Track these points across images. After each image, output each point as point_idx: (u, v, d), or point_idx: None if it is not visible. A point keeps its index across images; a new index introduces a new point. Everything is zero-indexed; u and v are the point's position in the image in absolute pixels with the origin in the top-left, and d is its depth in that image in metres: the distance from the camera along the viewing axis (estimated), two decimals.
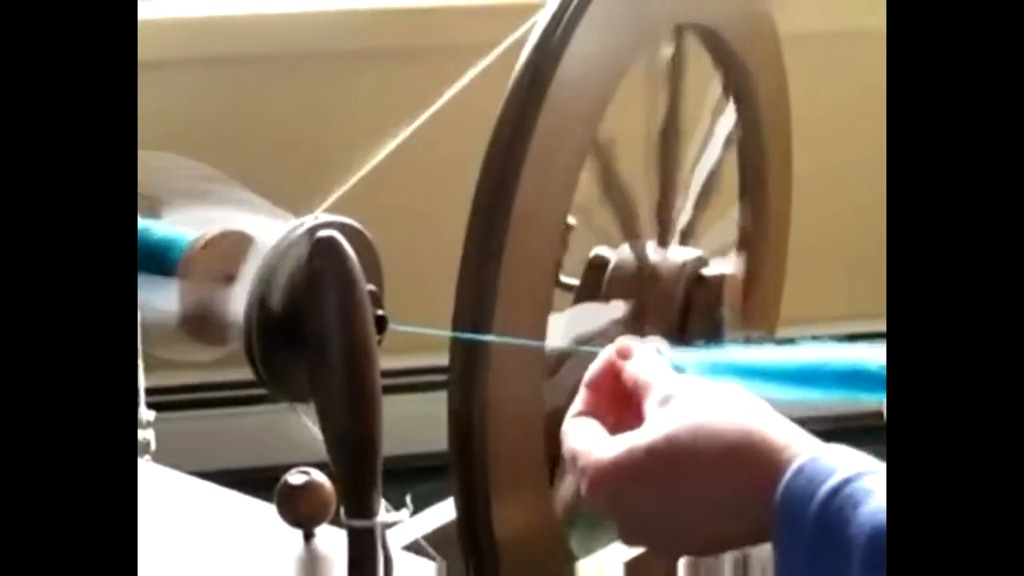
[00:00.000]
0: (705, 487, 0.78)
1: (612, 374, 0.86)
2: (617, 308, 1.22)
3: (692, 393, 0.80)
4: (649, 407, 0.81)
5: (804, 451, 0.76)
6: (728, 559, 1.13)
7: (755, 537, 0.78)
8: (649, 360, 0.85)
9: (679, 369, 0.85)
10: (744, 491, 0.77)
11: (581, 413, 0.85)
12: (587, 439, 0.82)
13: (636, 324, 1.20)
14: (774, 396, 0.84)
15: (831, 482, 0.74)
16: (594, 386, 0.86)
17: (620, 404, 0.85)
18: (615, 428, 0.83)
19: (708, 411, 0.79)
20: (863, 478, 0.74)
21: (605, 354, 0.87)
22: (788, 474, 0.75)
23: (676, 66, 1.25)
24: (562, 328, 1.17)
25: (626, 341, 0.87)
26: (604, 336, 1.18)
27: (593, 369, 0.87)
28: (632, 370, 0.85)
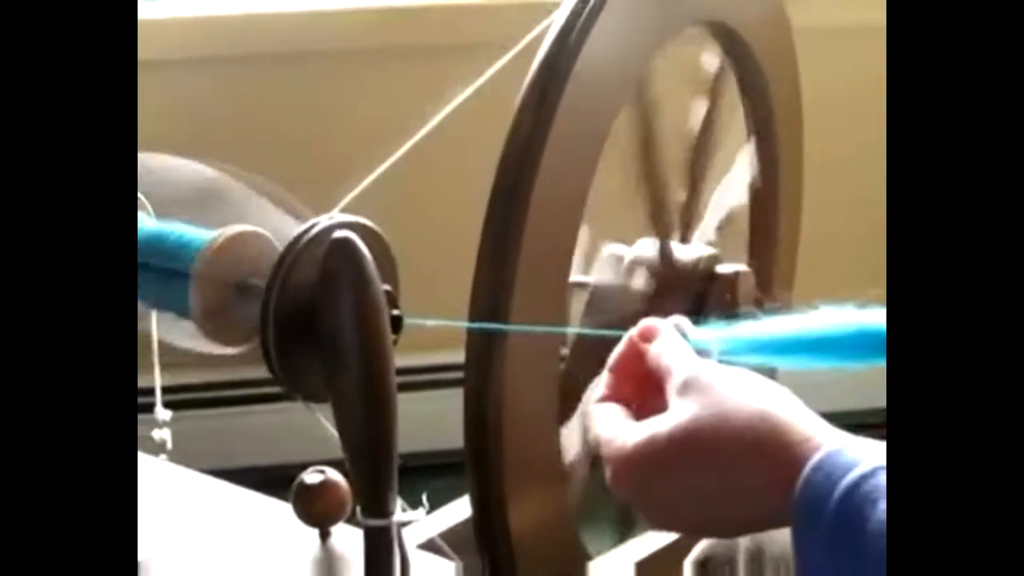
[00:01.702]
0: (725, 478, 0.78)
1: (635, 356, 0.86)
2: (639, 279, 1.22)
3: (712, 381, 0.80)
4: (670, 394, 0.81)
5: (826, 444, 0.76)
6: (742, 558, 1.13)
7: (779, 522, 0.77)
8: (671, 343, 0.85)
9: (701, 350, 0.84)
10: (765, 483, 0.76)
11: (605, 398, 0.85)
12: (611, 427, 0.82)
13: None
14: (795, 367, 0.84)
15: (851, 477, 0.73)
16: (618, 369, 0.86)
17: (644, 387, 0.85)
18: (639, 412, 0.83)
19: (728, 402, 0.79)
20: (883, 473, 0.73)
21: (628, 336, 0.86)
22: (808, 468, 0.75)
23: (719, 77, 1.26)
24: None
25: (649, 322, 0.86)
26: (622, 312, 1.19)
27: (616, 352, 0.87)
28: (654, 353, 0.85)
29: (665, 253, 1.24)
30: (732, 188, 1.33)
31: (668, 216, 1.25)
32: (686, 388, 0.80)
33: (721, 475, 0.78)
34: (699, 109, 1.29)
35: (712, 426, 0.78)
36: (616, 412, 0.84)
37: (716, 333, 0.86)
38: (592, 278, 1.26)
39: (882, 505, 0.72)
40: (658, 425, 0.80)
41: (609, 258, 1.26)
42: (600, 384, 0.87)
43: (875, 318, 0.85)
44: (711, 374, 0.81)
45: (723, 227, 1.30)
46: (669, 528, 0.84)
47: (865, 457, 0.74)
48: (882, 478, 0.73)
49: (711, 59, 1.29)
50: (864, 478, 0.73)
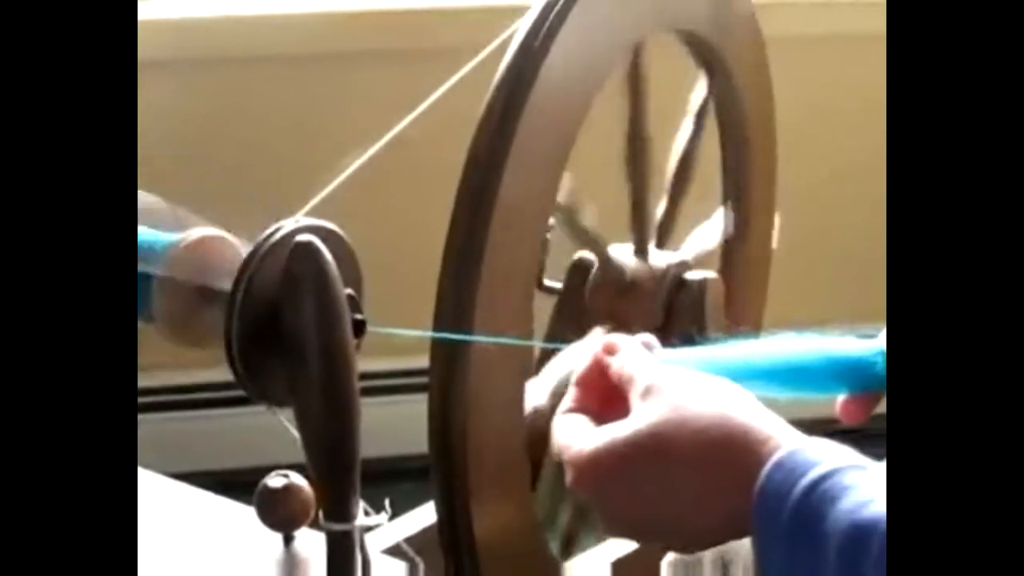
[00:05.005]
0: (686, 481, 0.78)
1: (600, 370, 0.87)
2: (596, 335, 1.22)
3: (675, 384, 0.81)
4: (633, 400, 0.82)
5: (785, 445, 0.76)
6: (708, 559, 1.13)
7: (739, 531, 0.78)
8: (634, 354, 0.85)
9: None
10: (725, 485, 0.77)
11: (570, 410, 0.86)
12: (573, 433, 0.83)
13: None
14: (760, 393, 0.85)
15: (809, 477, 0.74)
16: (583, 383, 0.87)
17: (608, 400, 0.85)
18: (603, 423, 0.83)
19: (690, 403, 0.79)
20: (843, 473, 0.74)
21: (592, 351, 0.87)
22: (768, 467, 0.75)
23: (704, 106, 1.27)
24: (546, 380, 1.17)
25: (612, 337, 0.88)
26: None
27: (582, 366, 0.87)
28: (618, 365, 0.85)
29: (627, 264, 1.24)
30: (707, 236, 1.34)
31: (647, 220, 1.25)
32: (648, 393, 0.81)
33: (681, 479, 0.78)
34: (686, 128, 1.30)
35: (673, 429, 0.78)
36: (580, 421, 0.84)
37: (683, 354, 0.87)
38: (560, 284, 1.26)
39: (840, 504, 0.72)
40: (619, 429, 0.80)
41: (577, 266, 1.27)
42: (566, 397, 0.87)
43: (841, 346, 0.86)
44: (673, 379, 0.82)
45: (680, 178, 1.31)
46: (629, 536, 0.84)
47: (825, 457, 0.75)
48: (841, 478, 0.73)
49: (702, 87, 1.30)
50: (823, 478, 0.74)
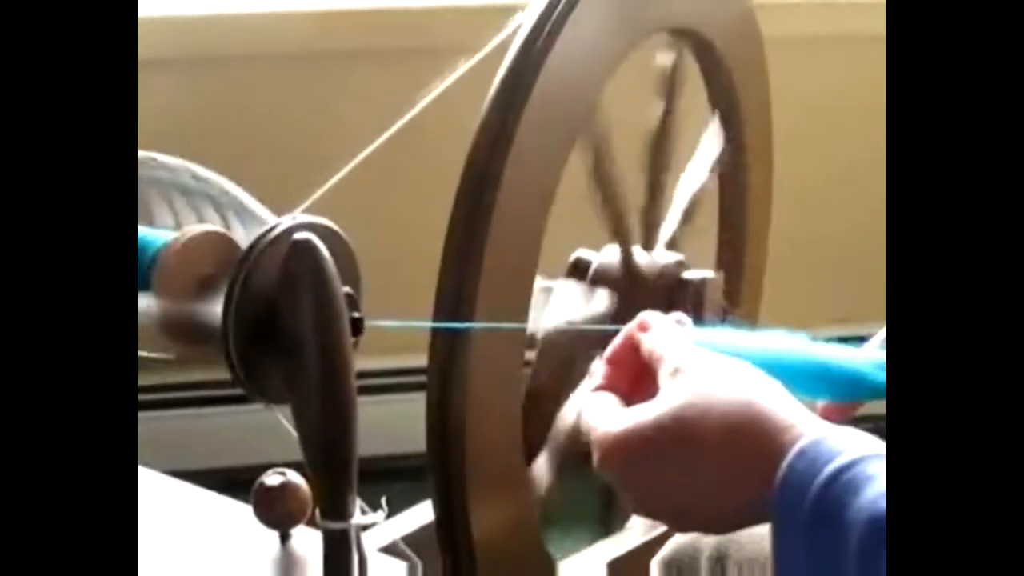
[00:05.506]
0: (709, 465, 0.78)
1: (631, 348, 0.86)
2: (601, 299, 1.22)
3: (703, 367, 0.81)
4: (662, 379, 0.82)
5: (808, 433, 0.76)
6: (704, 555, 1.13)
7: (760, 518, 0.78)
8: (666, 333, 0.85)
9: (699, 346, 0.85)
10: (747, 473, 0.77)
11: (600, 388, 0.86)
12: (600, 412, 0.83)
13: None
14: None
15: (832, 466, 0.74)
16: (613, 360, 0.87)
17: (638, 378, 0.85)
18: (633, 402, 0.84)
19: (716, 388, 0.79)
20: (866, 463, 0.73)
21: (626, 328, 0.87)
22: (789, 457, 0.75)
23: (673, 75, 1.26)
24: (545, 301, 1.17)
25: (647, 315, 0.87)
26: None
27: (614, 344, 0.87)
28: (649, 343, 0.85)
29: (628, 263, 1.24)
30: (694, 174, 1.32)
31: (627, 223, 1.24)
32: (676, 375, 0.81)
33: (704, 464, 0.78)
34: (656, 109, 1.29)
35: (697, 414, 0.78)
36: (608, 399, 0.85)
37: (716, 335, 0.87)
38: (556, 283, 1.26)
39: (863, 494, 0.72)
40: (646, 411, 0.80)
41: (576, 264, 1.26)
42: (596, 374, 0.87)
43: (847, 356, 0.86)
44: (701, 362, 0.81)
45: (689, 214, 1.30)
46: (649, 515, 0.85)
47: (848, 446, 0.75)
48: (864, 468, 0.73)
49: (666, 58, 1.28)
50: (846, 467, 0.73)
